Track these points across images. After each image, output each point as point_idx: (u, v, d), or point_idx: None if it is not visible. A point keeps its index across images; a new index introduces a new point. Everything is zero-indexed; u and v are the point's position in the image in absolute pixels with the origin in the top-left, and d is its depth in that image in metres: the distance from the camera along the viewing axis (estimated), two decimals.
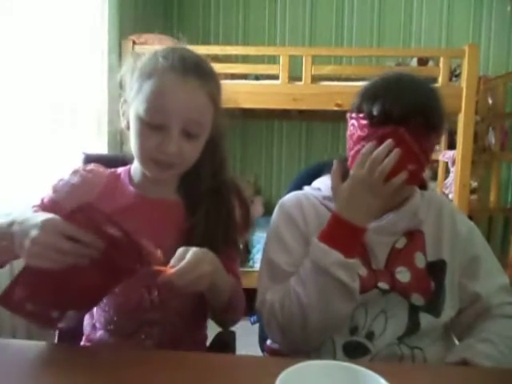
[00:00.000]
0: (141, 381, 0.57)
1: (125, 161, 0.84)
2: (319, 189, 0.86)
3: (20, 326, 1.25)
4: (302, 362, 0.48)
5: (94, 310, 0.81)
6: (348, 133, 0.80)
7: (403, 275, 0.77)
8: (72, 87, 1.69)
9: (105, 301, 0.79)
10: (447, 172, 2.26)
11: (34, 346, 0.68)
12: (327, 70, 2.14)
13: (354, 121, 0.78)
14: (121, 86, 0.80)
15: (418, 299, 0.77)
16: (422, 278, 0.78)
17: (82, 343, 0.83)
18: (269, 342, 0.89)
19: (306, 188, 0.89)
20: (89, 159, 0.94)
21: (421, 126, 0.72)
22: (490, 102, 2.64)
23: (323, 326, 0.74)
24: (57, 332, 0.89)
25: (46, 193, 0.81)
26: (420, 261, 0.79)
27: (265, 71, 2.23)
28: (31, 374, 0.59)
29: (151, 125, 0.72)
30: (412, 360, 0.75)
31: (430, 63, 2.45)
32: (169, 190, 0.82)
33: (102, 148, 1.84)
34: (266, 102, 2.09)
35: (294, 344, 0.76)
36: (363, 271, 0.77)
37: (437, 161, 2.41)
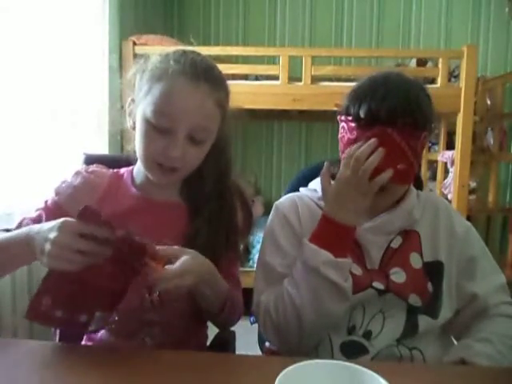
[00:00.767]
0: (141, 381, 0.58)
1: (128, 161, 0.85)
2: (315, 190, 0.86)
3: (21, 326, 1.25)
4: (302, 362, 0.49)
5: None
6: (339, 135, 0.80)
7: (398, 276, 0.78)
8: (72, 88, 1.69)
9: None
10: (446, 172, 2.26)
11: (35, 346, 0.69)
12: (327, 70, 2.14)
13: (343, 123, 0.78)
14: (122, 88, 0.81)
15: (415, 300, 0.77)
16: (418, 279, 0.78)
17: (83, 343, 0.84)
18: (268, 343, 0.90)
19: (302, 189, 0.90)
20: (89, 159, 0.94)
21: (409, 126, 0.72)
22: (489, 102, 2.64)
23: (318, 326, 0.74)
24: (58, 332, 0.89)
25: (50, 195, 0.81)
26: (416, 261, 0.79)
27: (265, 72, 2.23)
28: (32, 373, 0.59)
29: (157, 128, 0.72)
30: (411, 361, 0.76)
31: (429, 64, 2.45)
32: (171, 192, 0.83)
33: (102, 148, 1.84)
34: (265, 103, 2.09)
35: (290, 345, 0.76)
36: (358, 271, 0.77)
37: (436, 161, 2.42)
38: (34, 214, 0.79)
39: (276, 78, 2.08)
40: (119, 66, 2.06)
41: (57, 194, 0.80)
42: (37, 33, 1.48)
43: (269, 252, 0.82)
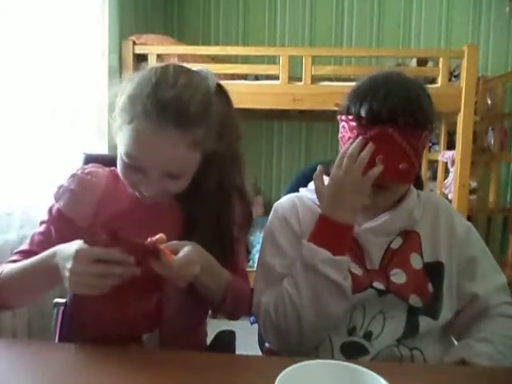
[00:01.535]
0: (141, 381, 0.58)
1: None
2: (314, 191, 0.85)
3: (20, 327, 1.25)
4: (302, 362, 0.49)
5: (95, 309, 0.81)
6: (339, 135, 0.80)
7: (398, 277, 0.77)
8: (72, 88, 1.69)
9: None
10: (446, 172, 2.26)
11: (34, 346, 0.69)
12: (327, 70, 2.14)
13: (343, 123, 0.78)
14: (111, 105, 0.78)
15: (416, 301, 0.76)
16: (418, 280, 0.78)
17: (82, 341, 0.84)
18: (267, 344, 0.90)
19: (302, 190, 0.90)
20: (89, 159, 0.94)
21: (410, 125, 0.73)
22: (489, 102, 2.64)
23: (318, 327, 0.74)
24: (57, 331, 0.89)
25: (51, 203, 0.81)
26: (416, 262, 0.79)
27: (265, 71, 2.23)
28: (32, 373, 0.59)
29: (131, 166, 0.72)
30: (411, 361, 0.76)
31: (430, 64, 2.45)
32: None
33: (102, 148, 1.84)
34: (265, 102, 2.09)
35: (290, 345, 0.76)
36: (358, 270, 0.77)
37: (436, 161, 2.42)
38: (40, 228, 0.80)
39: (276, 77, 2.08)
40: (119, 65, 2.06)
41: (56, 200, 0.80)
42: (36, 33, 1.48)
43: (268, 253, 0.82)
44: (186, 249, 0.67)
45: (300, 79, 2.06)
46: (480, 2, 2.81)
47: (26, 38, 1.43)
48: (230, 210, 0.80)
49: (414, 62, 2.51)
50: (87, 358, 0.65)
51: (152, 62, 2.03)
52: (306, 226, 0.80)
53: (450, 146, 2.28)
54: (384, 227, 0.79)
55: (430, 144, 2.66)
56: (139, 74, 0.74)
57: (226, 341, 0.90)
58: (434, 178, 2.56)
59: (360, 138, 0.72)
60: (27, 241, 0.80)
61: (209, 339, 0.92)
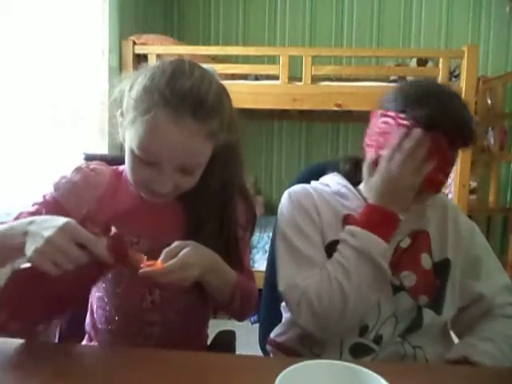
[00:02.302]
0: (141, 380, 0.58)
1: None
2: (328, 185, 0.85)
3: None
4: (302, 362, 0.49)
5: (95, 309, 0.82)
6: (376, 130, 0.78)
7: (409, 279, 0.77)
8: (72, 87, 1.69)
9: (106, 300, 0.79)
10: None
11: (34, 346, 0.68)
12: (327, 70, 2.14)
13: (388, 119, 0.76)
14: (116, 102, 0.76)
15: (424, 300, 0.77)
16: (428, 279, 0.78)
17: (83, 343, 0.84)
18: (273, 334, 0.89)
19: (314, 183, 0.88)
20: (89, 159, 0.93)
21: (459, 140, 0.73)
22: (489, 102, 2.64)
23: (360, 313, 0.75)
24: (57, 332, 0.89)
25: (48, 190, 0.79)
26: (426, 262, 0.79)
27: (265, 71, 2.23)
28: (32, 373, 0.59)
29: (143, 160, 0.70)
30: (414, 359, 0.76)
31: (430, 64, 2.45)
32: None
33: (102, 148, 1.84)
34: (265, 102, 2.09)
35: (327, 330, 0.76)
36: None
37: None
38: (31, 209, 0.76)
39: (276, 77, 2.08)
40: (119, 65, 2.06)
41: (56, 189, 0.78)
42: (37, 32, 1.48)
43: (293, 237, 0.80)
44: (182, 252, 0.66)
45: (300, 79, 2.06)
46: (480, 1, 2.81)
47: (27, 39, 1.43)
48: (233, 210, 0.80)
49: (413, 62, 2.50)
50: (87, 358, 0.65)
51: (152, 62, 2.03)
52: (324, 214, 0.80)
53: None
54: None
55: None
56: (148, 68, 0.72)
57: (226, 341, 0.90)
58: None
59: (415, 131, 0.71)
60: (12, 217, 0.75)
61: (209, 339, 0.92)
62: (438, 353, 0.77)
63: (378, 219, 0.74)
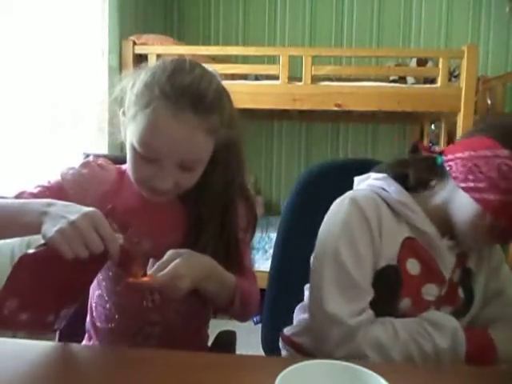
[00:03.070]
0: (141, 381, 0.58)
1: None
2: (385, 189, 0.76)
3: None
4: (302, 362, 0.49)
5: (94, 307, 0.82)
6: (487, 168, 0.67)
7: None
8: (72, 87, 1.70)
9: (106, 298, 0.79)
10: None
11: (34, 346, 0.68)
12: (327, 70, 2.14)
13: (507, 160, 0.65)
14: (117, 100, 0.76)
15: (446, 310, 0.74)
16: (450, 289, 0.75)
17: (83, 343, 0.84)
18: (289, 332, 0.86)
19: (371, 183, 0.79)
20: None
21: None
22: (489, 102, 2.64)
23: None
24: (57, 332, 0.89)
25: (53, 176, 0.78)
26: (456, 274, 0.76)
27: (265, 71, 2.23)
28: (31, 373, 0.59)
29: (144, 157, 0.69)
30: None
31: (429, 64, 2.45)
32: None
33: (102, 148, 1.84)
34: (265, 102, 2.09)
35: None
36: (432, 294, 0.73)
37: None
38: (34, 190, 0.75)
39: (276, 77, 2.08)
40: (119, 65, 2.07)
41: (62, 177, 0.77)
42: (37, 33, 1.48)
43: (348, 258, 0.71)
44: (173, 264, 0.65)
45: (300, 79, 2.06)
46: (480, 1, 2.81)
47: (27, 39, 1.43)
48: (234, 211, 0.80)
49: (413, 62, 2.51)
50: (87, 358, 0.65)
51: (152, 62, 2.03)
52: (386, 239, 0.72)
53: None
54: (459, 247, 0.76)
55: (430, 144, 2.66)
56: (149, 67, 0.73)
57: (227, 340, 0.90)
58: None
59: None
60: (12, 195, 0.74)
61: (210, 339, 0.92)
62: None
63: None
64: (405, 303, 0.72)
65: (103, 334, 0.81)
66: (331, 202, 0.79)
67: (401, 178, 0.77)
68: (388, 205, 0.75)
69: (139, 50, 2.10)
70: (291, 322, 0.89)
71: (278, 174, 3.03)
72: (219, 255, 0.76)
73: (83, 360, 0.64)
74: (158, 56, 2.06)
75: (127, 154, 0.73)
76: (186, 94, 0.67)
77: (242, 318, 0.84)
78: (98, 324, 0.81)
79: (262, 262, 2.14)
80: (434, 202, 0.76)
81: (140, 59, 2.10)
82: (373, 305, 0.71)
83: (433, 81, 2.20)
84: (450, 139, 2.33)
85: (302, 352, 0.83)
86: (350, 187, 0.83)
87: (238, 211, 0.81)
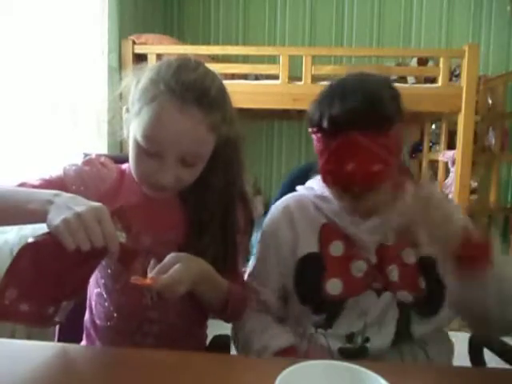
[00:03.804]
0: (140, 381, 0.57)
1: (128, 161, 0.84)
2: (312, 188, 0.86)
3: (19, 326, 1.25)
4: (302, 362, 0.48)
5: (93, 305, 0.82)
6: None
7: (393, 274, 0.77)
8: (72, 87, 1.69)
9: (105, 296, 0.79)
10: (447, 172, 2.26)
11: (34, 346, 0.68)
12: (327, 70, 2.13)
13: (313, 135, 0.77)
14: (120, 97, 0.77)
15: (405, 296, 0.75)
16: (410, 275, 0.77)
17: (83, 342, 0.84)
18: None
19: (300, 188, 0.90)
20: None
21: (372, 126, 0.71)
22: (490, 101, 2.64)
23: None
24: (57, 331, 0.89)
25: (55, 171, 0.78)
26: (409, 257, 0.78)
27: (265, 71, 2.23)
28: (32, 373, 0.59)
29: (147, 151, 0.70)
30: (412, 358, 0.75)
31: (430, 63, 2.45)
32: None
33: (102, 148, 1.84)
34: (265, 102, 2.09)
35: None
36: (361, 269, 0.77)
37: (437, 161, 2.42)
38: (35, 182, 0.75)
39: (276, 77, 2.08)
40: (119, 65, 2.06)
41: (65, 172, 0.78)
42: (36, 32, 1.48)
43: (260, 256, 0.87)
44: (173, 269, 0.66)
45: (300, 79, 2.06)
46: (481, 1, 2.81)
47: (26, 38, 1.43)
48: (233, 213, 0.80)
49: (414, 61, 2.51)
50: (87, 358, 0.65)
51: (152, 62, 2.03)
52: (302, 231, 0.82)
53: (451, 145, 2.28)
54: (381, 227, 0.79)
55: (431, 144, 2.66)
56: (154, 64, 0.75)
57: (224, 342, 0.89)
58: (434, 177, 2.56)
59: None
60: (13, 184, 0.74)
61: (209, 339, 0.91)
62: (439, 351, 0.77)
63: None
64: (334, 285, 0.76)
65: (102, 332, 0.81)
66: None
67: None
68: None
69: (139, 49, 2.10)
70: None
71: (277, 173, 3.03)
72: (219, 257, 0.76)
73: (82, 360, 0.64)
74: (158, 56, 2.06)
75: (130, 150, 0.74)
76: (190, 89, 0.68)
77: (234, 320, 0.85)
78: (97, 322, 0.81)
79: None
80: None
81: (140, 59, 2.10)
82: (301, 292, 0.80)
83: (433, 80, 2.19)
84: (451, 139, 2.33)
85: None
86: None
87: (237, 214, 0.81)
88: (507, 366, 0.78)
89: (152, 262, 0.68)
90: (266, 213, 0.93)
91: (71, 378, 0.58)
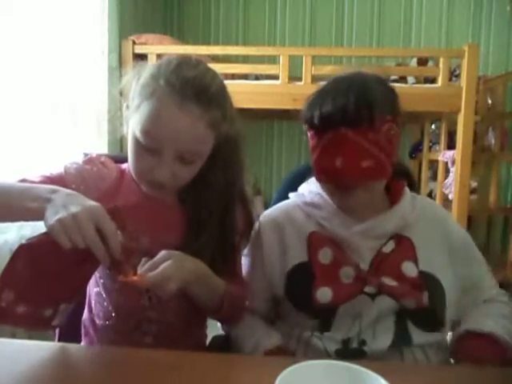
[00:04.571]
0: (140, 380, 0.57)
1: (127, 161, 0.84)
2: (303, 194, 0.87)
3: None
4: (302, 362, 0.48)
5: (93, 304, 0.82)
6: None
7: (388, 285, 0.75)
8: (72, 87, 1.69)
9: (104, 296, 0.79)
10: (447, 172, 2.26)
11: (34, 346, 0.68)
12: (327, 70, 2.13)
13: (307, 132, 0.80)
14: (121, 93, 0.78)
15: (410, 303, 0.74)
16: (413, 287, 0.75)
17: (82, 342, 0.84)
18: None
19: (291, 195, 0.90)
20: None
21: (362, 122, 0.71)
22: (490, 101, 2.64)
23: None
24: (57, 331, 0.89)
25: (56, 168, 0.78)
26: (410, 270, 0.76)
27: (265, 71, 2.22)
28: (32, 373, 0.59)
29: (145, 147, 0.70)
30: (414, 360, 0.74)
31: (430, 63, 2.45)
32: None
33: (102, 148, 1.84)
34: (265, 102, 2.09)
35: None
36: (350, 275, 0.76)
37: (436, 161, 2.42)
38: (36, 178, 0.75)
39: (276, 77, 2.08)
40: (119, 65, 2.06)
41: (65, 170, 0.78)
42: (37, 32, 1.48)
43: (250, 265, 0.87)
44: (162, 266, 0.65)
45: (300, 79, 2.06)
46: (481, 1, 2.81)
47: (27, 38, 1.43)
48: (233, 215, 0.80)
49: (414, 61, 2.50)
50: (87, 358, 0.65)
51: (152, 62, 2.02)
52: (290, 241, 0.82)
53: (451, 145, 2.28)
54: (374, 230, 0.78)
55: (431, 144, 2.66)
56: (156, 61, 0.76)
57: (224, 342, 0.90)
58: (434, 177, 2.56)
59: None
60: (14, 180, 0.74)
61: (208, 339, 0.91)
62: (434, 355, 0.76)
63: None
64: (323, 294, 0.75)
65: (101, 331, 0.81)
66: None
67: None
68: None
69: (139, 49, 2.10)
70: None
71: (277, 173, 3.03)
72: (217, 257, 0.76)
73: (82, 360, 0.64)
74: (158, 56, 2.06)
75: (128, 146, 0.74)
76: (190, 84, 0.68)
77: (231, 322, 0.85)
78: (96, 321, 0.81)
79: None
80: None
81: (140, 59, 2.10)
82: (293, 301, 0.80)
83: (433, 80, 2.20)
84: (451, 139, 2.33)
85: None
86: None
87: (236, 216, 0.81)
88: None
89: (143, 260, 0.67)
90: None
91: (71, 377, 0.58)
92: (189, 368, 0.61)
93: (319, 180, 0.80)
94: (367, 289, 0.75)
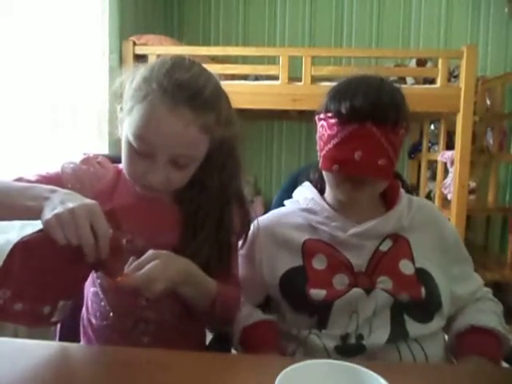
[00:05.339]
0: (140, 380, 0.58)
1: None
2: (298, 201, 0.88)
3: (21, 326, 1.25)
4: (302, 362, 0.49)
5: (90, 304, 0.82)
6: (318, 135, 0.82)
7: (385, 284, 0.77)
8: (73, 88, 1.69)
9: (101, 296, 0.79)
10: (446, 172, 2.26)
11: (33, 346, 0.69)
12: (327, 70, 2.14)
13: (322, 121, 0.80)
14: (116, 95, 0.77)
15: (405, 298, 0.76)
16: (410, 284, 0.77)
17: (82, 341, 0.84)
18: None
19: (287, 203, 0.91)
20: None
21: (389, 122, 0.74)
22: (489, 102, 2.64)
23: None
24: (58, 330, 0.89)
25: (53, 168, 0.79)
26: (407, 268, 0.78)
27: (264, 72, 2.22)
28: (32, 373, 0.59)
29: (138, 151, 0.70)
30: (411, 353, 0.75)
31: (429, 64, 2.45)
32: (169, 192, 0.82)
33: (102, 148, 1.84)
34: (265, 103, 2.09)
35: None
36: (343, 282, 0.77)
37: (435, 161, 2.42)
38: (32, 177, 0.75)
39: (276, 78, 2.08)
40: (119, 66, 2.06)
41: (62, 170, 0.78)
42: (37, 33, 1.48)
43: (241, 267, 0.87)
44: (149, 266, 0.64)
45: (300, 79, 2.06)
46: (479, 2, 2.81)
47: (27, 39, 1.43)
48: (229, 216, 0.80)
49: (413, 62, 2.51)
50: (87, 358, 0.65)
51: None
52: (285, 249, 0.83)
53: (450, 146, 2.29)
54: (371, 232, 0.80)
55: (430, 144, 2.66)
56: (150, 63, 0.75)
57: (224, 342, 0.90)
58: (433, 178, 2.56)
59: None
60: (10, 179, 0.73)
61: (207, 339, 0.92)
62: (437, 351, 0.77)
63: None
64: (317, 293, 0.77)
65: (98, 331, 0.81)
66: None
67: (322, 181, 0.86)
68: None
69: (139, 50, 2.10)
70: None
71: (277, 173, 3.03)
72: (213, 257, 0.76)
73: (83, 359, 0.65)
74: (158, 56, 2.03)
75: (122, 149, 0.73)
76: (183, 88, 0.67)
77: (223, 323, 0.84)
78: (94, 320, 0.81)
79: None
80: None
81: (140, 59, 2.10)
82: (289, 301, 0.81)
83: (432, 81, 2.20)
84: (450, 139, 2.34)
85: None
86: None
87: (233, 217, 0.81)
88: (507, 366, 0.78)
89: (131, 259, 0.67)
90: (265, 213, 0.93)
91: (72, 376, 0.59)
92: (189, 368, 0.61)
93: (329, 170, 0.79)
94: (361, 284, 0.77)
